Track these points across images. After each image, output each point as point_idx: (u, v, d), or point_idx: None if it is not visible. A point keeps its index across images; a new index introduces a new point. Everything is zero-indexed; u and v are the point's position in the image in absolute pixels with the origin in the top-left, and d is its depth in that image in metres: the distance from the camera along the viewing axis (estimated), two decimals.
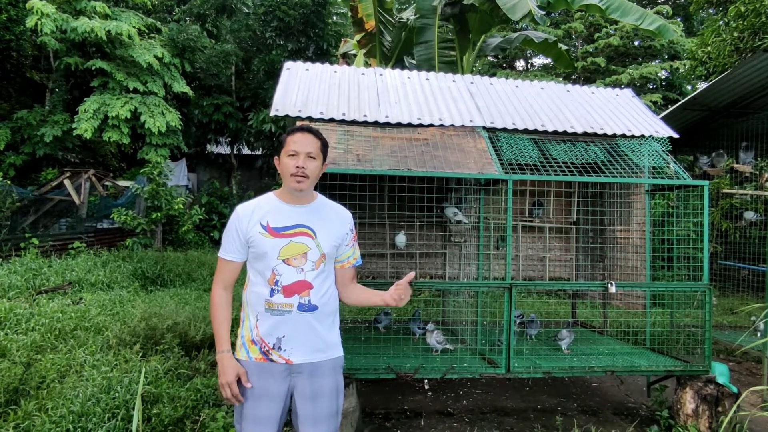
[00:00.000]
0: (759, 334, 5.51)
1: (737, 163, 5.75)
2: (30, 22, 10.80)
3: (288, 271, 2.18)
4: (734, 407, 2.36)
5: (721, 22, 10.80)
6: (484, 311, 4.24)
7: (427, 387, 4.77)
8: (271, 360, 2.19)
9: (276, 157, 2.32)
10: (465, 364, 3.78)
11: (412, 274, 2.32)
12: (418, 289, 3.87)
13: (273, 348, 2.18)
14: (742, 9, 9.19)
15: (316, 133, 2.29)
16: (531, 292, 7.63)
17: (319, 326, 2.24)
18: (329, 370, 2.28)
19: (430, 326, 4.26)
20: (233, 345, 2.28)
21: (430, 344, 4.13)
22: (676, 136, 4.76)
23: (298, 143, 2.22)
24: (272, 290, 2.18)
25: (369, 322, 5.36)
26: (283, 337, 2.18)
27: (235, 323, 2.48)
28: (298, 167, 2.18)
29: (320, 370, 2.25)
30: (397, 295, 2.30)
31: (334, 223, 2.32)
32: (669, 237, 5.83)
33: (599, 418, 4.26)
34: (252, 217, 2.21)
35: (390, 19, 11.30)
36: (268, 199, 2.30)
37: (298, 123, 2.31)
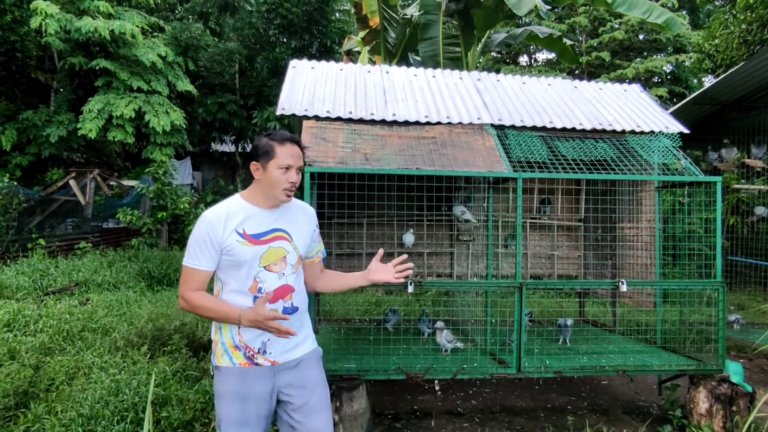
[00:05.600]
0: (737, 327, 5.48)
1: (748, 157, 5.68)
2: (34, 22, 10.80)
3: (270, 277, 2.18)
4: (755, 409, 2.32)
5: (728, 15, 10.69)
6: (494, 310, 4.20)
7: (437, 388, 4.74)
8: (257, 364, 2.17)
9: (255, 163, 2.18)
10: (475, 364, 3.74)
11: (381, 251, 2.52)
12: (426, 289, 3.84)
13: (258, 352, 2.17)
14: (751, 1, 9.09)
15: (301, 144, 2.25)
16: (539, 289, 7.59)
17: (299, 325, 2.28)
18: (313, 362, 2.33)
19: (439, 324, 4.23)
20: (212, 351, 2.24)
21: (440, 343, 4.10)
22: (686, 131, 4.70)
23: (292, 157, 2.16)
24: (255, 297, 2.16)
25: (377, 321, 5.33)
26: (268, 340, 2.18)
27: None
28: (292, 183, 2.16)
29: (305, 361, 2.29)
30: (393, 272, 2.45)
31: (304, 222, 2.32)
32: (677, 234, 5.78)
33: (610, 417, 4.22)
34: (226, 225, 2.12)
35: (394, 15, 11.24)
36: (239, 204, 2.20)
37: (280, 131, 2.24)
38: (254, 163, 2.19)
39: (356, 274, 2.54)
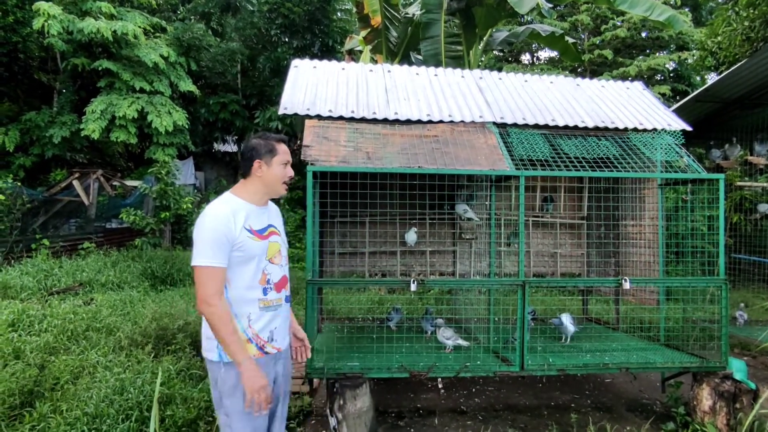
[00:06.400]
0: (742, 323, 5.48)
1: (751, 154, 5.67)
2: (37, 23, 10.82)
3: (274, 269, 2.36)
4: (758, 405, 2.32)
5: (731, 12, 10.66)
6: (497, 308, 4.21)
7: (440, 386, 4.74)
8: (266, 353, 2.32)
9: (259, 161, 2.33)
10: (478, 362, 3.75)
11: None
12: (429, 288, 3.85)
13: (267, 341, 2.32)
14: None
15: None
16: (542, 287, 7.59)
17: (289, 313, 2.51)
18: (289, 352, 2.55)
19: (439, 321, 4.24)
20: (215, 348, 2.25)
21: (441, 341, 4.11)
22: (689, 129, 4.69)
23: (287, 153, 2.41)
24: (265, 289, 2.31)
25: (380, 320, 5.34)
26: (275, 329, 2.35)
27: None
28: (290, 176, 2.41)
29: (288, 351, 2.52)
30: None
31: (279, 218, 2.55)
32: (680, 231, 5.77)
33: (613, 414, 4.22)
34: (236, 222, 2.23)
35: (396, 14, 11.23)
36: (238, 201, 2.32)
37: (270, 133, 2.46)
38: (258, 161, 2.33)
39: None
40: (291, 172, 2.40)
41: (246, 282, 2.25)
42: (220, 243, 2.17)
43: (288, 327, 2.50)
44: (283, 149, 2.38)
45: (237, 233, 2.21)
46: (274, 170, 2.34)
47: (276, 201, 2.63)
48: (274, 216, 2.47)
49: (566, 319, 4.50)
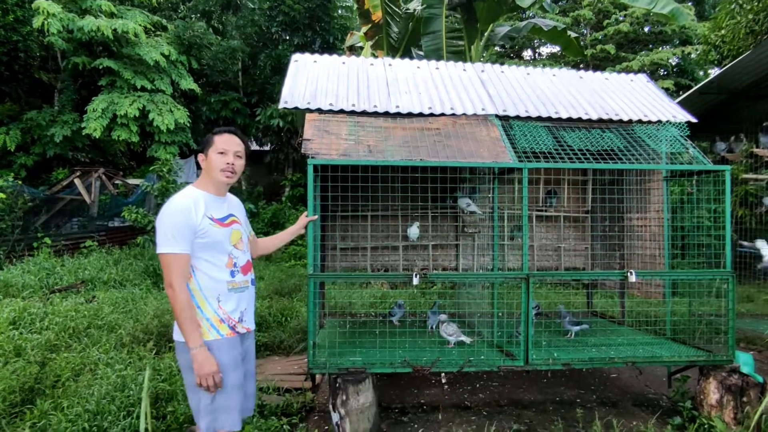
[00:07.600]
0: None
1: (757, 146, 5.60)
2: (37, 22, 10.82)
3: (239, 254, 2.53)
4: (765, 399, 2.27)
5: (734, 5, 10.56)
6: (500, 303, 4.16)
7: (444, 381, 4.71)
8: (237, 332, 2.47)
9: (201, 154, 2.55)
10: (482, 357, 3.71)
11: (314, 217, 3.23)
12: (432, 282, 3.80)
13: (239, 322, 2.47)
14: None
15: (241, 136, 2.60)
16: (545, 282, 7.55)
17: (253, 295, 2.66)
18: (254, 332, 2.72)
19: (442, 316, 4.20)
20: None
21: (443, 336, 4.06)
22: (694, 120, 4.63)
23: (227, 143, 2.50)
24: (232, 272, 2.47)
25: (383, 315, 5.31)
26: (245, 309, 2.52)
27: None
28: (228, 164, 2.48)
29: (253, 333, 2.68)
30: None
31: (240, 209, 2.70)
32: (685, 224, 5.71)
33: (619, 409, 4.18)
34: (197, 211, 2.38)
35: (396, 9, 11.19)
36: (197, 192, 2.47)
37: (222, 128, 2.58)
38: (200, 154, 2.55)
39: (286, 231, 3.10)
40: (229, 160, 2.48)
41: (212, 267, 2.40)
42: (182, 231, 2.30)
43: (254, 310, 2.66)
44: (221, 140, 2.48)
45: (198, 221, 2.35)
46: (210, 159, 2.48)
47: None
48: (234, 207, 2.63)
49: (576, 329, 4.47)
